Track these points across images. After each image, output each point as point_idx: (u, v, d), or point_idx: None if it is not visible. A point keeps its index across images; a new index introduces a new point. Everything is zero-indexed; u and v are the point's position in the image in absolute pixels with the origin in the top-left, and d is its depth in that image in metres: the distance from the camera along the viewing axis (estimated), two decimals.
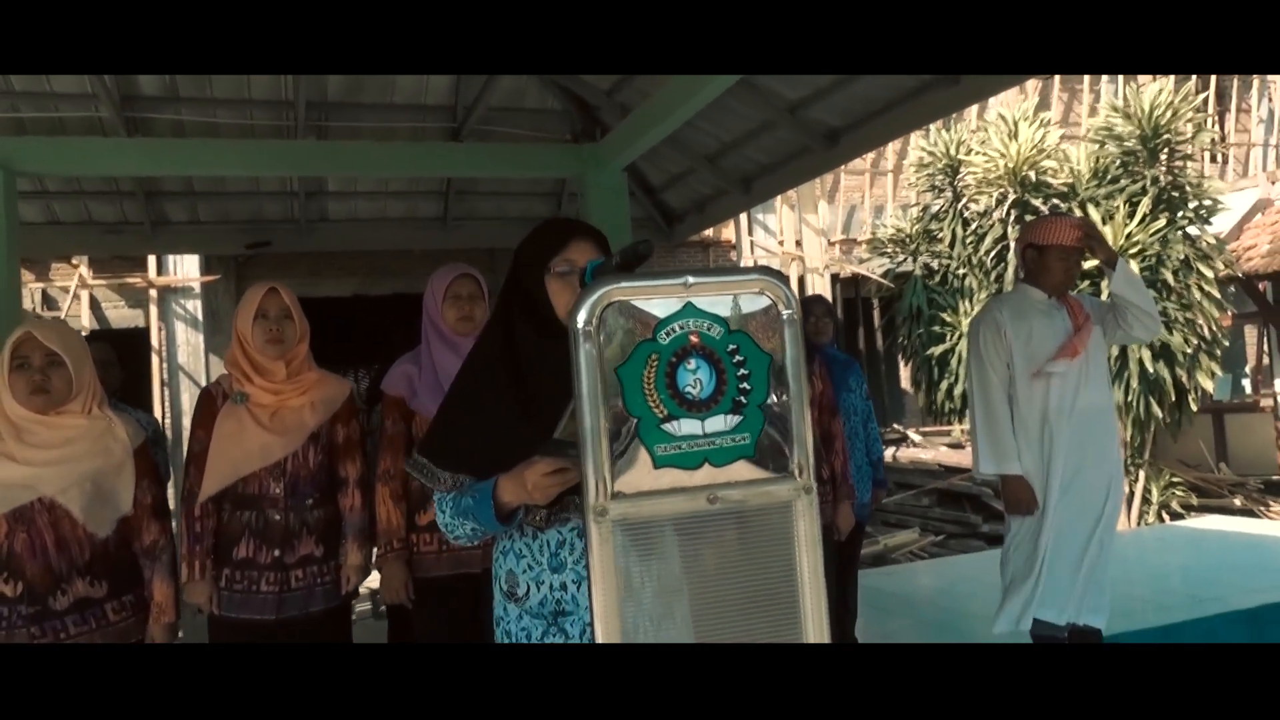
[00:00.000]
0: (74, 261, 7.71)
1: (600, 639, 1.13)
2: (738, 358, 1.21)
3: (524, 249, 1.71)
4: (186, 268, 7.74)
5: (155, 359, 7.78)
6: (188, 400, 7.52)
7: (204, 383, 7.57)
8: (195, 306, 7.73)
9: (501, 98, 4.97)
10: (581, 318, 1.15)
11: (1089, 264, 5.72)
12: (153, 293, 7.72)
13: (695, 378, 1.19)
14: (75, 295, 7.71)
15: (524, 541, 1.64)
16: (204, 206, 5.73)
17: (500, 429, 1.58)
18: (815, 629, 1.18)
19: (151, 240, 5.80)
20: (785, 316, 1.21)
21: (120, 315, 7.91)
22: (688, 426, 1.19)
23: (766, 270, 1.24)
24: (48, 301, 7.80)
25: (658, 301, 1.18)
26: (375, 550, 2.72)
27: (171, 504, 2.66)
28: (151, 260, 7.71)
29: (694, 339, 1.19)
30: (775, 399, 1.21)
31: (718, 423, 1.20)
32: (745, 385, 1.21)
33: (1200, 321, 7.36)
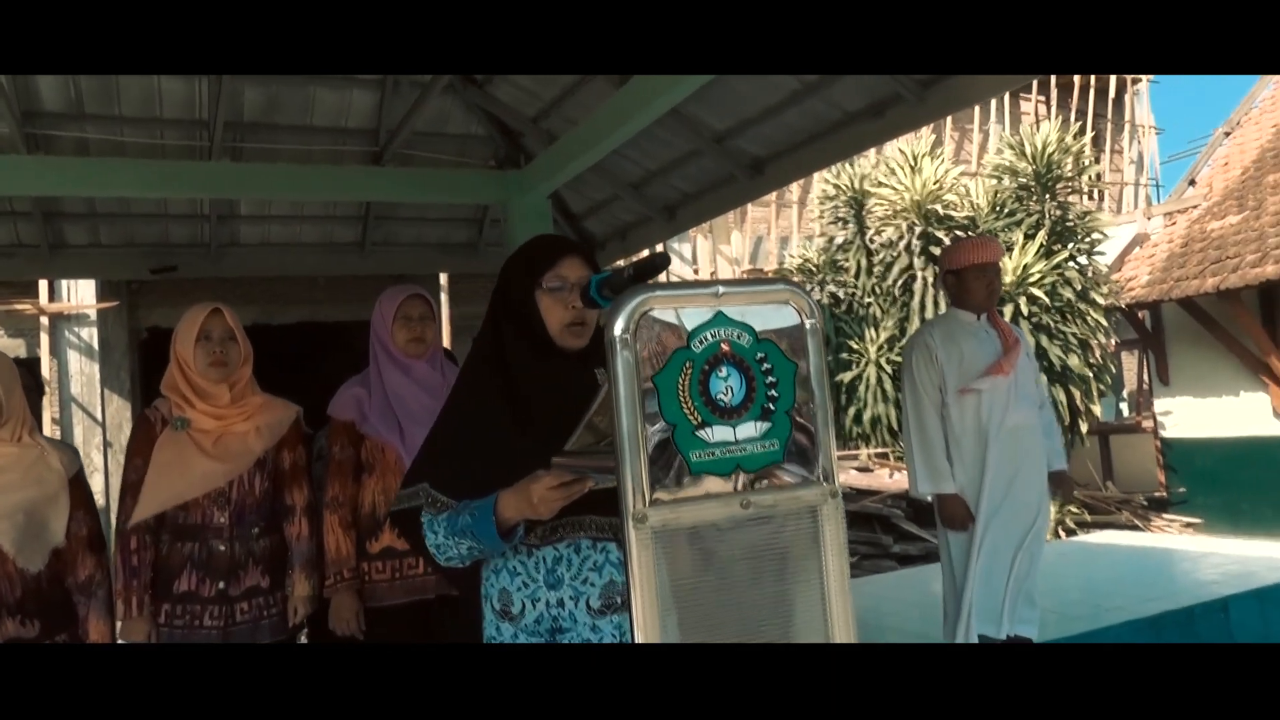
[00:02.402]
0: None
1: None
2: (766, 365, 1.23)
3: (512, 266, 1.71)
4: (81, 294, 7.35)
5: (45, 390, 7.33)
6: (80, 434, 7.10)
7: (99, 417, 7.18)
8: (90, 334, 7.33)
9: (425, 122, 4.92)
10: (619, 326, 1.16)
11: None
12: (44, 320, 7.29)
13: (727, 385, 1.21)
14: None
15: (519, 559, 1.62)
16: (106, 229, 5.47)
17: (501, 447, 1.57)
18: (841, 631, 1.21)
19: (48, 264, 5.49)
20: (809, 326, 1.24)
21: None
22: (720, 433, 1.21)
23: (792, 281, 1.27)
24: None
25: (689, 311, 1.20)
26: (325, 581, 2.62)
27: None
28: (43, 285, 7.29)
29: (725, 347, 1.21)
30: (801, 406, 1.25)
31: (749, 429, 1.22)
32: (773, 393, 1.23)
33: (1094, 344, 7.82)
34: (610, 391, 1.20)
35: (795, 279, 9.49)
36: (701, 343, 1.20)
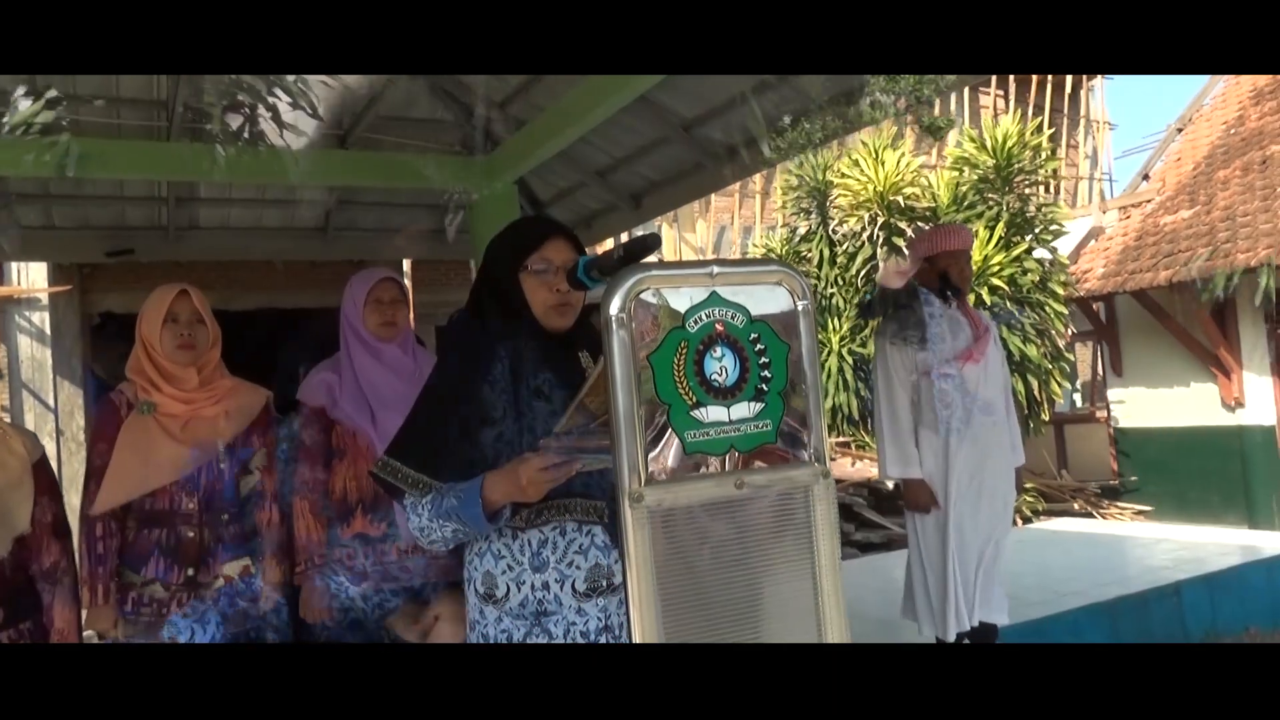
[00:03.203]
0: None
1: (636, 626, 1.13)
2: (759, 346, 1.24)
3: (497, 248, 1.70)
4: (32, 277, 7.17)
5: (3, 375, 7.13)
6: (32, 421, 6.92)
7: (51, 403, 7.01)
8: (42, 319, 7.14)
9: (390, 106, 4.86)
10: (615, 305, 1.16)
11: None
12: None
13: (721, 365, 1.22)
14: None
15: (503, 542, 1.62)
16: (60, 211, 5.34)
17: (487, 429, 1.56)
18: (832, 609, 1.22)
19: None
20: (802, 308, 1.25)
21: None
22: (714, 413, 1.22)
23: (786, 263, 1.28)
24: None
25: (684, 291, 1.20)
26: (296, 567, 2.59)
27: None
28: None
29: (719, 327, 1.22)
30: (793, 387, 1.26)
31: (742, 409, 1.23)
32: (766, 374, 1.24)
33: (1054, 334, 7.97)
34: (602, 372, 1.20)
35: None
36: (696, 323, 1.21)
